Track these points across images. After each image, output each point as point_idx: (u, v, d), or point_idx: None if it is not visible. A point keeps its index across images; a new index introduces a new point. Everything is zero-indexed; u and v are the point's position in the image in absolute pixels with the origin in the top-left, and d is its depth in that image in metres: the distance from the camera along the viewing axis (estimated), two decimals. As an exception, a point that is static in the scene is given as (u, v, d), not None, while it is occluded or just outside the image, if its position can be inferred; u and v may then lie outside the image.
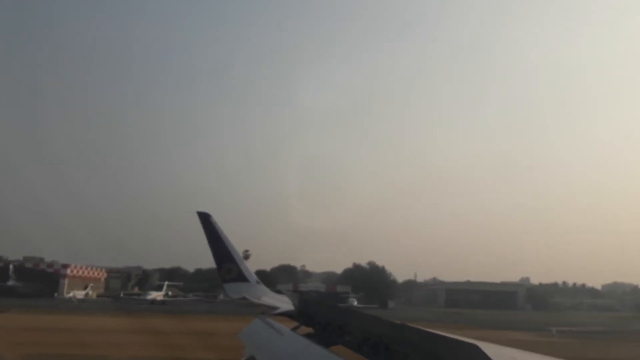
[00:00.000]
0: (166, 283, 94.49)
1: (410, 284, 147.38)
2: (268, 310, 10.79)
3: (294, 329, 7.09)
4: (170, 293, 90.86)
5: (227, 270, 14.69)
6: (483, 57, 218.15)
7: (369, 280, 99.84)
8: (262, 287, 15.01)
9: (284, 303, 11.11)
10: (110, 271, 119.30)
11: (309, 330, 6.71)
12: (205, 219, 14.84)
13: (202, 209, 15.11)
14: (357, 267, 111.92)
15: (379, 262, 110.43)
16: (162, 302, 79.66)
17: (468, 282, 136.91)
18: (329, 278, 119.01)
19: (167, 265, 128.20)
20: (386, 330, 4.49)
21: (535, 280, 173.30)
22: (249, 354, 7.25)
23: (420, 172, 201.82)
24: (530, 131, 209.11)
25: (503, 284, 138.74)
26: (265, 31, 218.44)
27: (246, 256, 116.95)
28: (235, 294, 14.53)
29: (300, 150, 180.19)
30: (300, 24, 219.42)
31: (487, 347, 3.34)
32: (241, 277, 14.67)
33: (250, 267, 15.91)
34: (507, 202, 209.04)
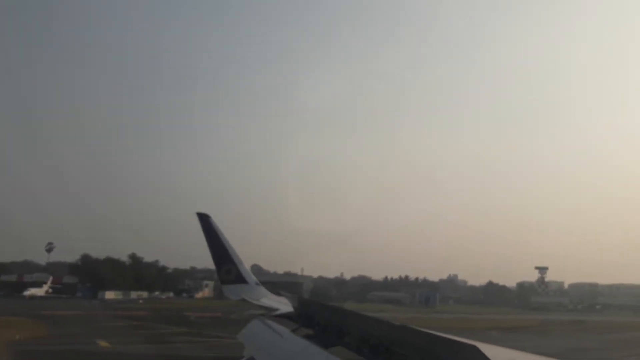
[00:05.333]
0: None
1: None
2: (268, 312, 10.75)
3: (294, 331, 7.07)
4: None
5: (226, 272, 14.63)
6: (481, 57, 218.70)
7: (101, 270, 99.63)
8: (262, 289, 14.94)
9: (284, 305, 11.06)
10: None
11: (309, 331, 6.68)
12: (204, 220, 14.74)
13: (193, 209, 14.88)
14: (85, 257, 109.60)
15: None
16: None
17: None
18: (57, 269, 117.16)
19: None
20: (386, 332, 4.47)
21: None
22: (248, 355, 7.22)
23: (418, 172, 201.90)
24: (526, 132, 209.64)
25: (293, 275, 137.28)
26: (264, 32, 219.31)
27: (50, 249, 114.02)
28: (235, 296, 14.46)
29: (297, 151, 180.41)
30: (298, 25, 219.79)
31: (486, 348, 3.33)
32: (240, 279, 14.62)
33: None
34: (509, 202, 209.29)
